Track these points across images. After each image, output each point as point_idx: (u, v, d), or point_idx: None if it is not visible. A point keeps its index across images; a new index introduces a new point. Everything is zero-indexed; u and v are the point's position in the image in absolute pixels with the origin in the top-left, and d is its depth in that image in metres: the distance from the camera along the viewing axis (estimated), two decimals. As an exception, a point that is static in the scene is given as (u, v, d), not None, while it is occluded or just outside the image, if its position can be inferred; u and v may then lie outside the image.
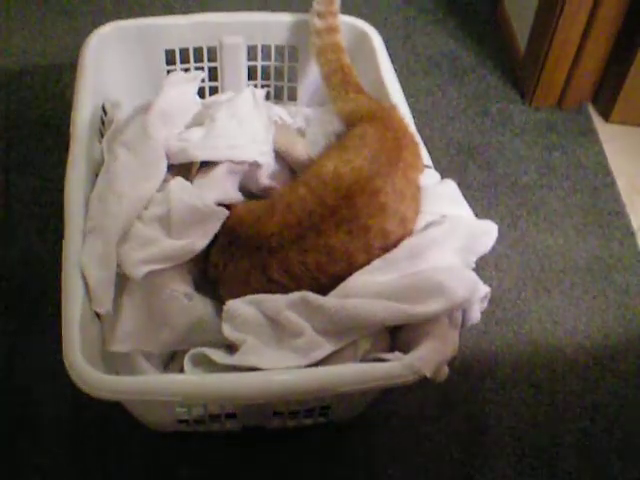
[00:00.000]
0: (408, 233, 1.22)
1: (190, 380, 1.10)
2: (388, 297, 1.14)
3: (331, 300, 1.14)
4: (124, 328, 1.22)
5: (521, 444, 1.38)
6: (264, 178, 1.41)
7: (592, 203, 1.79)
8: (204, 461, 1.33)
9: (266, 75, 1.67)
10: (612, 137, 1.95)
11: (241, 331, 1.16)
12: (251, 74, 1.67)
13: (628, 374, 1.49)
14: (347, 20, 1.61)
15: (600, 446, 1.39)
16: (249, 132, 1.41)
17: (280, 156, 1.45)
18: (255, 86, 1.58)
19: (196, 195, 1.28)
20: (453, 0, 2.28)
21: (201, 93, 1.59)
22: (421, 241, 1.20)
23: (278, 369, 1.09)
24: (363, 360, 1.15)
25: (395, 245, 1.20)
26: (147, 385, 1.07)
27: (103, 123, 1.45)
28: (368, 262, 1.19)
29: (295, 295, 1.16)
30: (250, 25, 1.60)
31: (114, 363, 1.23)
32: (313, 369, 1.10)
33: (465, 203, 1.31)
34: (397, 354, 1.10)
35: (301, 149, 1.45)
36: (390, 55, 1.57)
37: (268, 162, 1.41)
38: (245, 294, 1.20)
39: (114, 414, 1.24)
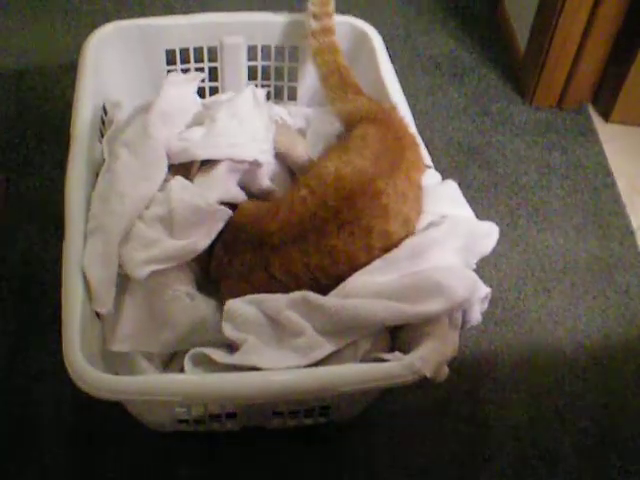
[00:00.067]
0: (410, 234, 1.22)
1: (190, 380, 1.10)
2: (388, 297, 1.14)
3: (331, 300, 1.14)
4: (125, 328, 1.22)
5: (521, 444, 1.38)
6: (264, 179, 1.41)
7: (592, 203, 1.79)
8: (204, 461, 1.33)
9: (266, 75, 1.67)
10: (612, 137, 1.95)
11: (242, 331, 1.16)
12: (251, 74, 1.67)
13: (628, 374, 1.49)
14: (347, 20, 1.61)
15: (600, 446, 1.39)
16: (250, 131, 1.41)
17: (280, 157, 1.45)
18: (255, 86, 1.58)
19: (198, 194, 1.28)
20: (453, 1, 2.28)
21: (201, 93, 1.59)
22: (422, 241, 1.20)
23: (278, 369, 1.09)
24: (363, 360, 1.15)
25: (397, 246, 1.20)
26: (147, 385, 1.07)
27: (103, 123, 1.45)
28: (370, 263, 1.19)
29: (296, 295, 1.16)
30: (250, 25, 1.60)
31: (114, 363, 1.23)
32: (313, 369, 1.10)
33: (466, 204, 1.31)
34: (397, 354, 1.11)
35: (301, 149, 1.45)
36: (390, 55, 1.57)
37: (268, 161, 1.41)
38: (247, 291, 1.20)
39: (114, 414, 1.24)
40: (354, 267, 1.18)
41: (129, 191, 1.26)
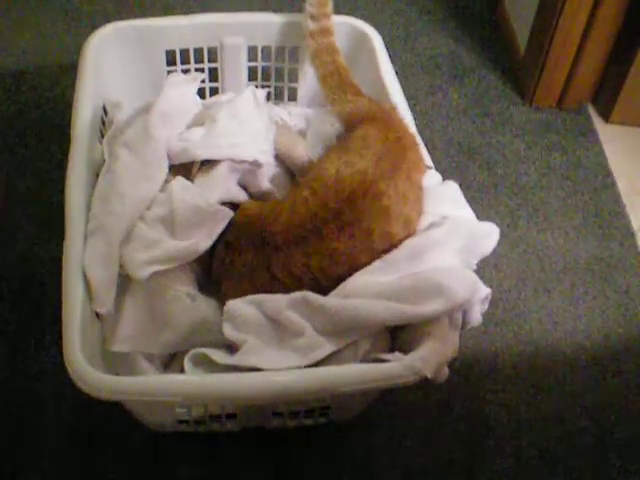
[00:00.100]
0: (411, 235, 1.22)
1: (190, 380, 1.10)
2: (388, 297, 1.14)
3: (332, 300, 1.14)
4: (125, 328, 1.22)
5: (521, 444, 1.38)
6: (264, 180, 1.41)
7: (592, 203, 1.79)
8: (204, 461, 1.33)
9: (266, 76, 1.67)
10: (612, 137, 1.95)
11: (242, 331, 1.16)
12: (252, 75, 1.67)
13: (628, 374, 1.49)
14: (347, 21, 1.61)
15: (600, 446, 1.39)
16: (250, 132, 1.41)
17: (280, 158, 1.45)
18: (256, 87, 1.58)
19: (199, 195, 1.28)
20: (453, 1, 2.28)
21: (202, 94, 1.59)
22: (422, 242, 1.20)
23: (278, 369, 1.09)
24: (363, 360, 1.15)
25: (398, 247, 1.20)
26: (147, 385, 1.07)
27: (103, 123, 1.45)
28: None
29: (296, 295, 1.16)
30: (251, 26, 1.60)
31: (114, 363, 1.22)
32: (313, 369, 1.10)
33: (467, 205, 1.31)
34: (397, 355, 1.10)
35: (301, 150, 1.45)
36: (390, 56, 1.57)
37: (269, 161, 1.41)
38: (249, 291, 1.20)
39: (114, 414, 1.24)
40: (355, 268, 1.18)
41: (130, 192, 1.26)
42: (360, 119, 1.34)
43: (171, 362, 1.27)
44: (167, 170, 1.34)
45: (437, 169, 1.36)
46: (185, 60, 1.60)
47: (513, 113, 1.98)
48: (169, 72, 1.58)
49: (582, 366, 1.50)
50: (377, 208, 1.18)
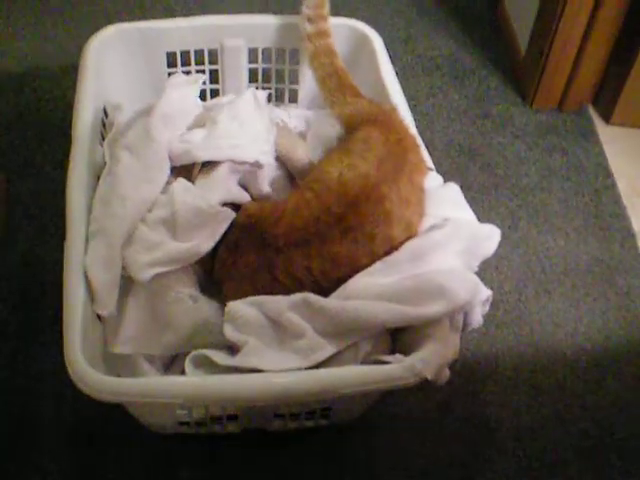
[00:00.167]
0: (412, 237, 1.22)
1: (191, 382, 1.10)
2: (389, 299, 1.14)
3: (332, 302, 1.15)
4: (127, 330, 1.22)
5: (522, 445, 1.38)
6: (264, 183, 1.41)
7: (593, 205, 1.79)
8: (205, 463, 1.33)
9: (267, 77, 1.67)
10: (613, 139, 1.95)
11: (243, 332, 1.16)
12: (252, 77, 1.67)
13: (629, 376, 1.49)
14: (347, 22, 1.61)
15: (601, 447, 1.39)
16: (251, 133, 1.42)
17: (280, 161, 1.45)
18: (256, 88, 1.58)
19: (200, 196, 1.28)
20: (454, 3, 2.28)
21: (202, 96, 1.59)
22: (423, 243, 1.20)
23: (279, 371, 1.09)
24: (364, 362, 1.15)
25: (398, 249, 1.20)
26: (148, 387, 1.07)
27: (104, 125, 1.46)
28: None
29: (297, 296, 1.16)
30: (251, 27, 1.60)
31: (115, 365, 1.23)
32: (314, 371, 1.10)
33: (468, 207, 1.31)
34: (398, 356, 1.10)
35: (302, 153, 1.45)
36: (391, 57, 1.57)
37: (269, 162, 1.41)
38: (250, 292, 1.20)
39: (115, 415, 1.24)
40: (356, 271, 1.18)
41: (131, 194, 1.26)
42: (360, 121, 1.34)
43: (172, 364, 1.27)
44: (168, 172, 1.34)
45: (438, 170, 1.36)
46: (186, 62, 1.60)
47: (514, 114, 1.98)
48: (170, 74, 1.58)
49: (583, 368, 1.50)
50: (379, 212, 1.18)
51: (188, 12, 2.09)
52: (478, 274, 1.20)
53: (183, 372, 1.17)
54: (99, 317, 1.21)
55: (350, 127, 1.37)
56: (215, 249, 1.27)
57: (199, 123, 1.44)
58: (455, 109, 1.97)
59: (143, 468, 1.32)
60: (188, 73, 1.59)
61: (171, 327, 1.22)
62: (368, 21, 1.64)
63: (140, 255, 1.22)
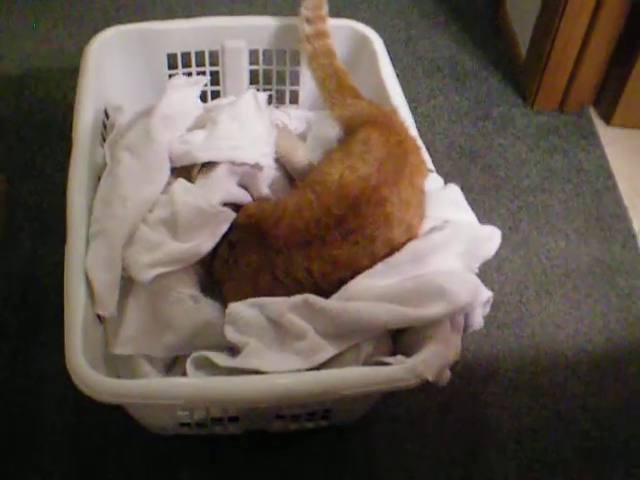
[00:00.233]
0: (413, 239, 1.22)
1: (192, 383, 1.10)
2: (390, 300, 1.14)
3: (333, 303, 1.15)
4: (128, 330, 1.22)
5: (523, 447, 1.38)
6: (263, 185, 1.41)
7: (594, 206, 1.79)
8: (206, 464, 1.33)
9: (268, 79, 1.68)
10: (614, 140, 1.95)
11: (243, 334, 1.16)
12: (253, 78, 1.67)
13: (630, 377, 1.49)
14: (348, 24, 1.61)
15: (602, 448, 1.39)
16: (251, 134, 1.42)
17: (280, 163, 1.45)
18: (257, 90, 1.58)
19: (201, 196, 1.28)
20: (455, 4, 2.28)
21: (203, 97, 1.59)
22: (424, 245, 1.20)
23: (280, 372, 1.09)
24: (365, 363, 1.15)
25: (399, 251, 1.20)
26: (149, 388, 1.07)
27: (105, 127, 1.46)
28: None
29: (297, 298, 1.16)
30: (252, 29, 1.61)
31: (116, 366, 1.23)
32: (315, 372, 1.10)
33: (469, 208, 1.31)
34: (399, 358, 1.11)
35: (301, 154, 1.45)
36: (392, 59, 1.57)
37: (269, 164, 1.41)
38: (251, 292, 1.20)
39: (115, 416, 1.24)
40: (356, 273, 1.18)
41: (132, 195, 1.27)
42: (360, 122, 1.34)
43: (173, 365, 1.27)
44: (169, 173, 1.35)
45: (439, 172, 1.36)
46: (187, 63, 1.60)
47: (515, 116, 1.98)
48: (170, 75, 1.58)
49: (584, 369, 1.50)
50: (380, 214, 1.18)
51: (189, 13, 2.10)
52: (479, 275, 1.20)
53: (184, 374, 1.17)
54: (100, 318, 1.21)
55: (350, 129, 1.37)
56: (215, 249, 1.27)
57: (199, 124, 1.44)
58: (456, 111, 1.97)
59: (143, 469, 1.32)
60: (189, 74, 1.59)
61: (172, 328, 1.22)
62: (369, 22, 1.64)
63: (141, 256, 1.22)
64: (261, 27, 1.61)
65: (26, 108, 1.87)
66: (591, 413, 1.43)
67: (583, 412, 1.43)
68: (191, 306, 1.23)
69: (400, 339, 1.20)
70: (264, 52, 1.63)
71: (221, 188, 1.34)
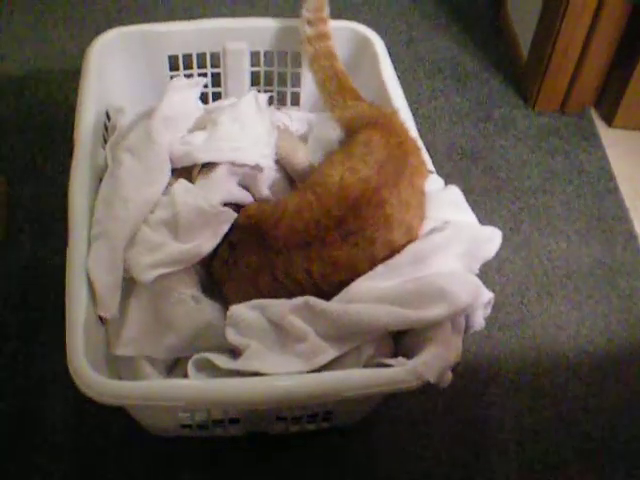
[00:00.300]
0: (413, 241, 1.22)
1: (193, 385, 1.10)
2: (391, 302, 1.14)
3: (334, 305, 1.14)
4: (129, 332, 1.22)
5: (524, 448, 1.38)
6: (263, 186, 1.41)
7: (595, 208, 1.79)
8: (206, 466, 1.33)
9: (269, 80, 1.68)
10: (615, 142, 1.95)
11: (245, 336, 1.16)
12: (254, 79, 1.67)
13: (631, 378, 1.49)
14: (349, 25, 1.61)
15: (603, 450, 1.39)
16: (252, 136, 1.42)
17: (280, 164, 1.45)
18: (258, 91, 1.58)
19: (201, 197, 1.28)
20: (456, 5, 2.28)
21: (204, 99, 1.59)
22: (424, 247, 1.20)
23: (281, 374, 1.09)
24: (366, 365, 1.15)
25: (399, 252, 1.20)
26: (150, 390, 1.07)
27: (106, 129, 1.46)
28: None
29: (298, 300, 1.16)
30: (253, 31, 1.61)
31: (118, 368, 1.23)
32: (317, 374, 1.10)
33: (469, 209, 1.31)
34: (401, 359, 1.10)
35: (302, 156, 1.45)
36: (393, 60, 1.57)
37: (269, 165, 1.41)
38: (251, 292, 1.21)
39: (116, 418, 1.25)
40: (356, 275, 1.18)
41: (133, 196, 1.27)
42: (361, 124, 1.34)
43: (174, 367, 1.27)
44: (170, 174, 1.35)
45: (440, 173, 1.36)
46: (188, 65, 1.60)
47: (516, 117, 1.98)
48: (172, 77, 1.58)
49: (585, 370, 1.50)
50: (380, 216, 1.18)
51: (190, 15, 2.10)
52: (480, 277, 1.20)
53: (185, 375, 1.17)
54: (101, 319, 1.21)
55: (350, 130, 1.37)
56: (216, 250, 1.27)
57: (200, 125, 1.44)
58: (457, 112, 1.97)
59: (144, 470, 1.32)
60: (190, 76, 1.59)
61: (173, 329, 1.22)
62: (370, 24, 1.64)
63: (142, 256, 1.22)
64: (262, 29, 1.61)
65: (27, 109, 1.87)
66: (592, 414, 1.43)
67: (584, 413, 1.43)
68: (192, 307, 1.23)
69: (401, 341, 1.20)
70: (265, 54, 1.63)
71: (221, 188, 1.34)
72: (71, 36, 2.08)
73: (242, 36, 1.60)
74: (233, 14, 2.13)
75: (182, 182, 1.32)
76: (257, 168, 1.38)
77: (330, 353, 1.13)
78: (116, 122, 1.44)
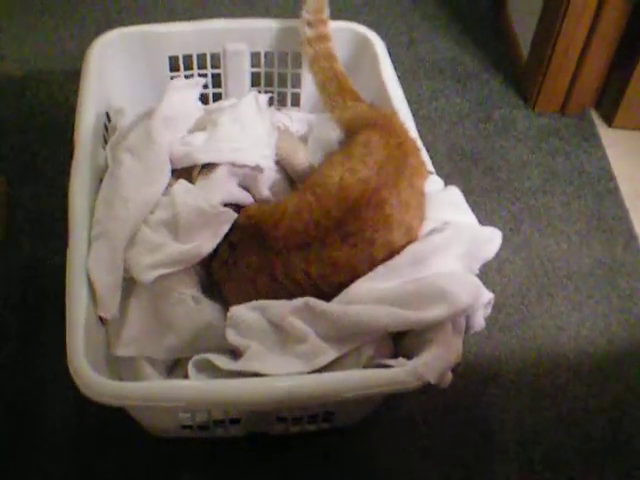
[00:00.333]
0: (412, 242, 1.22)
1: (194, 386, 1.10)
2: (391, 303, 1.14)
3: (334, 306, 1.14)
4: (130, 332, 1.22)
5: (524, 449, 1.38)
6: (264, 187, 1.41)
7: (595, 208, 1.79)
8: (207, 466, 1.33)
9: (269, 81, 1.68)
10: (615, 142, 1.95)
11: (245, 336, 1.16)
12: (255, 80, 1.67)
13: (632, 379, 1.49)
14: (349, 26, 1.61)
15: (603, 450, 1.39)
16: (252, 136, 1.42)
17: (280, 165, 1.45)
18: (259, 92, 1.58)
19: (202, 197, 1.28)
20: (456, 6, 2.28)
21: (205, 99, 1.59)
22: (424, 247, 1.20)
23: (282, 375, 1.09)
24: (366, 366, 1.15)
25: (399, 253, 1.20)
26: (151, 391, 1.07)
27: (107, 129, 1.46)
28: None
29: (299, 301, 1.16)
30: (253, 31, 1.61)
31: (118, 368, 1.23)
32: (316, 375, 1.10)
33: (469, 210, 1.31)
34: (401, 360, 1.10)
35: (302, 157, 1.45)
36: (393, 61, 1.57)
37: (270, 166, 1.41)
38: (251, 293, 1.21)
39: (117, 418, 1.24)
40: (355, 277, 1.18)
41: (133, 196, 1.27)
42: (360, 125, 1.34)
43: (175, 367, 1.27)
44: (170, 174, 1.35)
45: (440, 174, 1.36)
46: (188, 66, 1.61)
47: (516, 118, 1.98)
48: (172, 78, 1.58)
49: (585, 371, 1.50)
50: (379, 217, 1.18)
51: (190, 16, 2.09)
52: (480, 277, 1.20)
53: (186, 376, 1.17)
54: (102, 320, 1.21)
55: (350, 131, 1.37)
56: (216, 250, 1.27)
57: (200, 126, 1.44)
58: (457, 113, 1.97)
59: (144, 471, 1.32)
60: (190, 77, 1.59)
61: (173, 329, 1.22)
62: (370, 25, 1.64)
63: (142, 257, 1.22)
64: (263, 30, 1.61)
65: (27, 110, 1.88)
66: (593, 415, 1.43)
67: (585, 414, 1.43)
68: (192, 307, 1.23)
69: (401, 341, 1.20)
70: (266, 54, 1.63)
71: (221, 188, 1.34)
72: (71, 36, 2.08)
73: (242, 37, 1.60)
74: (233, 15, 2.13)
75: (182, 182, 1.32)
76: (257, 169, 1.38)
77: (330, 354, 1.13)
78: (116, 123, 1.44)
